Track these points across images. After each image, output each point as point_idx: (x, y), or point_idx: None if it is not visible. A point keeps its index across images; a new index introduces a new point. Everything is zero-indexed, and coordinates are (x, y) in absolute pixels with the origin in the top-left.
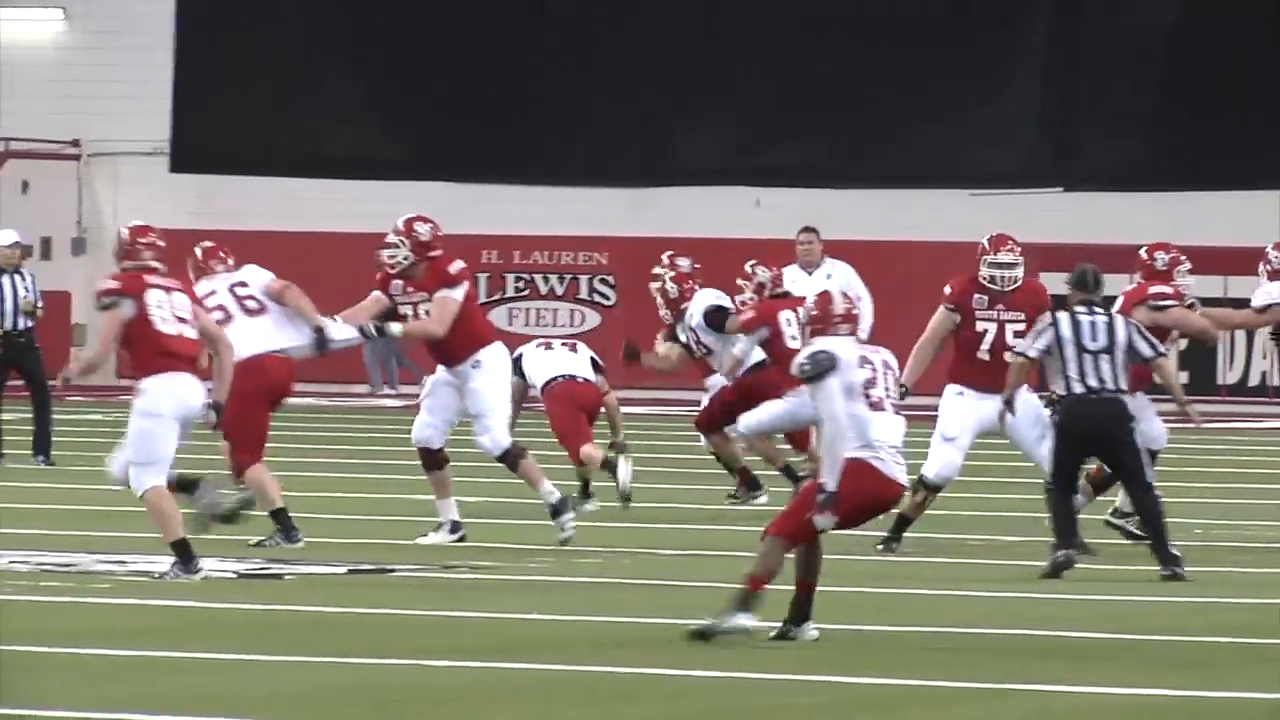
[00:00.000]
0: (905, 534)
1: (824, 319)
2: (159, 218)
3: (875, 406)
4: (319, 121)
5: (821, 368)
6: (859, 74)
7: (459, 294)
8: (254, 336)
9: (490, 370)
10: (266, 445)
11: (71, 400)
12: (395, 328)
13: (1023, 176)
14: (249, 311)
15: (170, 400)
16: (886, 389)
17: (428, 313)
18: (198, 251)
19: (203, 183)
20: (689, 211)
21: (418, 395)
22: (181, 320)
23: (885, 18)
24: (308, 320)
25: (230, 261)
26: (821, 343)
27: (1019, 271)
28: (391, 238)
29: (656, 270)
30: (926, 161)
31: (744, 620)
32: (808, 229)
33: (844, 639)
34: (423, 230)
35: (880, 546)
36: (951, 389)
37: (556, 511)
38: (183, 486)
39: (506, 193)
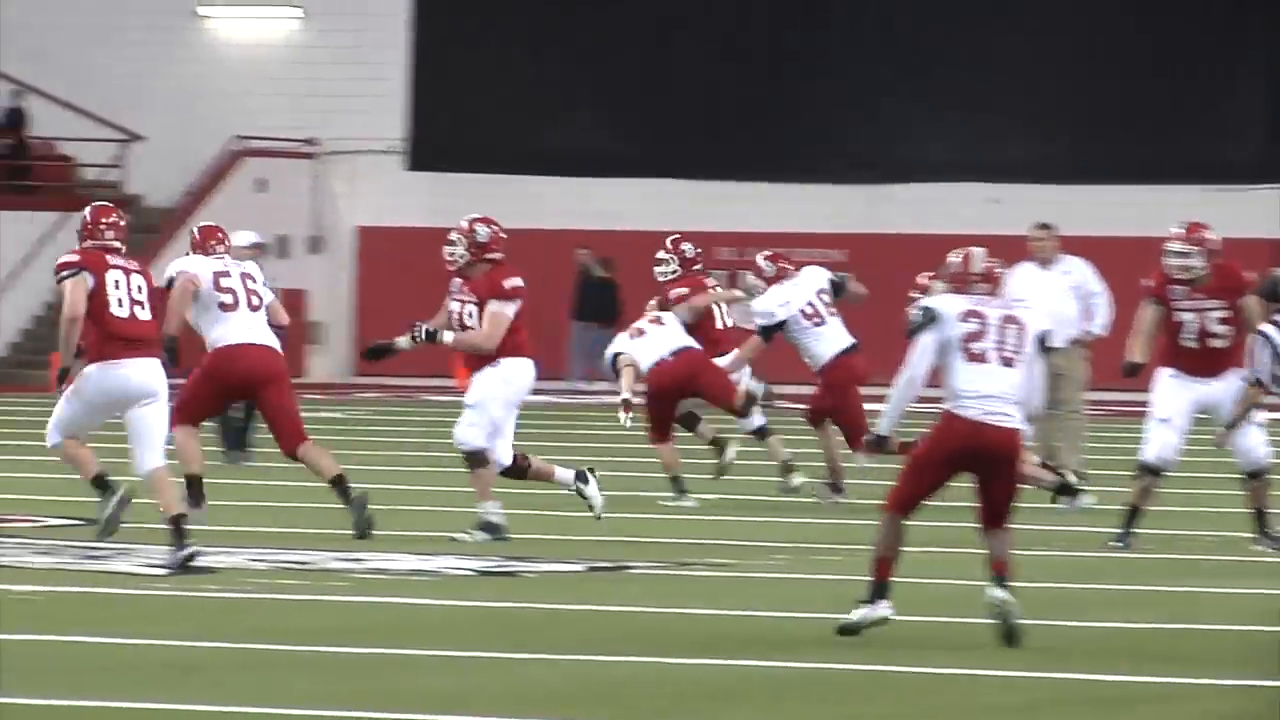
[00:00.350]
0: (1137, 529)
1: (963, 277)
2: (394, 216)
3: (975, 359)
4: (554, 119)
5: (921, 321)
6: (1095, 69)
7: (511, 310)
8: (247, 327)
9: (502, 373)
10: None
11: (309, 398)
12: (447, 336)
13: (1255, 171)
14: (253, 307)
15: (104, 394)
16: (1000, 343)
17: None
18: (195, 231)
19: (438, 180)
20: (926, 208)
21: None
22: (137, 302)
23: (1117, 13)
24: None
25: (227, 244)
26: (931, 299)
27: (1191, 261)
28: (453, 235)
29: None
30: (1160, 156)
31: (883, 610)
32: (1042, 225)
33: (1087, 635)
34: (482, 231)
35: (1115, 542)
36: (1164, 372)
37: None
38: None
39: (743, 190)
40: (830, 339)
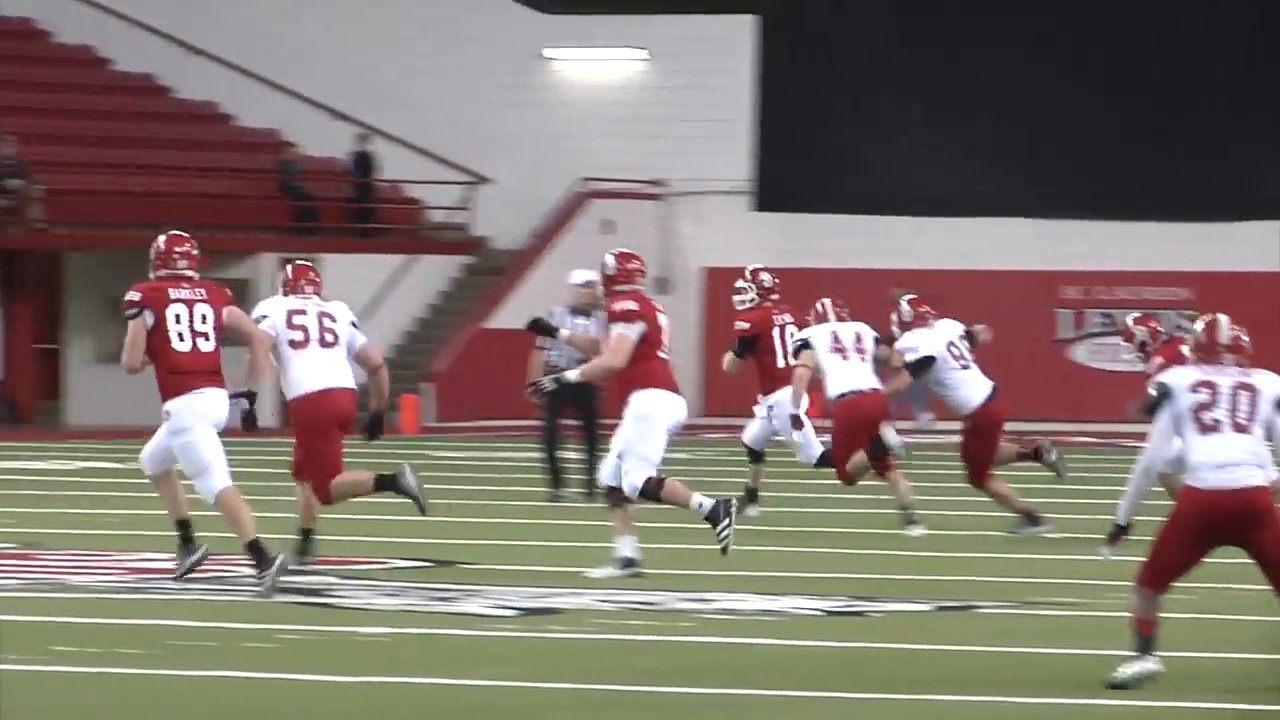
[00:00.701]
0: None
1: (1208, 347)
2: (741, 256)
3: (1208, 429)
4: (900, 157)
5: (1156, 399)
6: None
7: (633, 330)
8: (323, 369)
9: (635, 414)
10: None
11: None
12: (571, 374)
13: None
14: (325, 344)
15: (193, 414)
16: (1233, 410)
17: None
18: (288, 270)
19: (784, 221)
20: (1272, 244)
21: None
22: (199, 334)
23: None
24: (378, 401)
25: (319, 284)
26: (1166, 373)
27: None
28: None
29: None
30: None
31: (1150, 665)
32: None
33: None
34: (609, 263)
35: None
36: None
37: (712, 520)
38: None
39: (1088, 228)
40: (973, 385)
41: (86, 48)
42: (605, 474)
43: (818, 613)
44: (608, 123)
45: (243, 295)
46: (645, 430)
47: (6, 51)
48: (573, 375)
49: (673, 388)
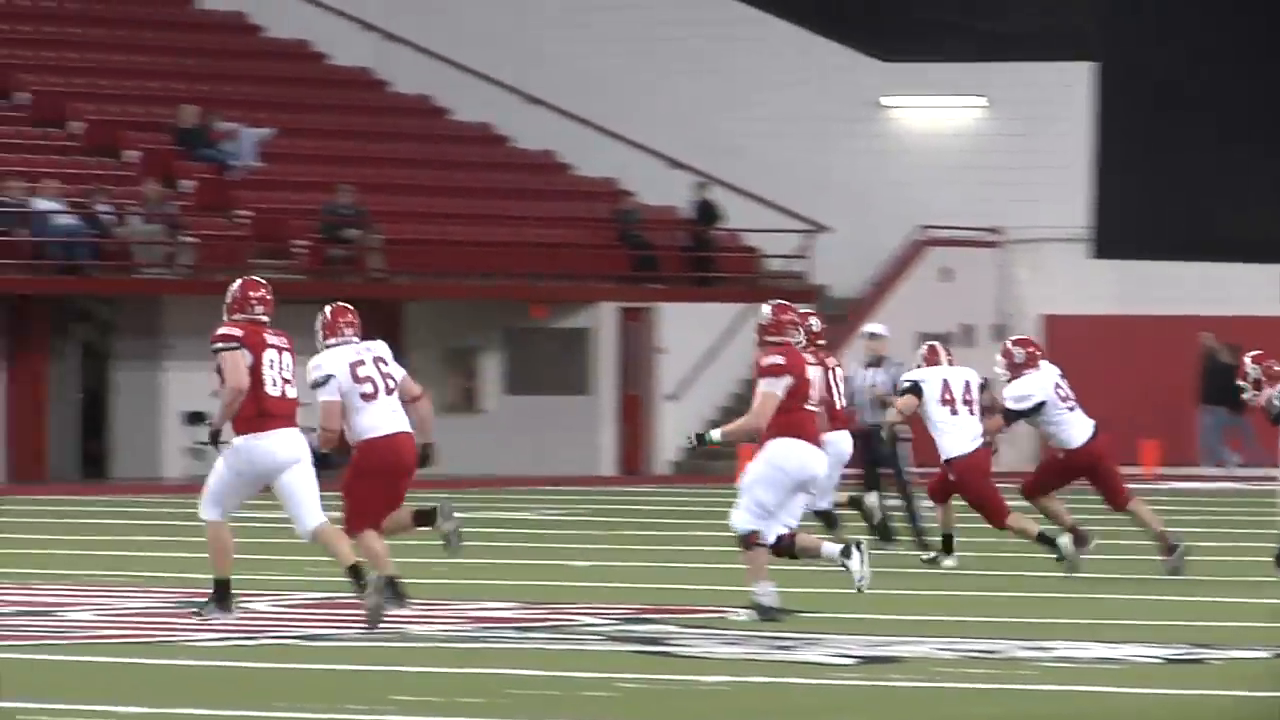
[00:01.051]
0: None
1: None
2: (1080, 303)
3: None
4: (1241, 203)
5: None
6: None
7: (776, 386)
8: (390, 416)
9: (768, 457)
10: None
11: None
12: (714, 434)
13: None
14: (389, 390)
15: (252, 465)
16: None
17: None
18: (327, 311)
19: (1123, 268)
20: None
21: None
22: (287, 381)
23: None
24: (424, 434)
25: (357, 324)
26: None
27: None
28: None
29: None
30: None
31: None
32: None
33: None
34: (764, 313)
35: None
36: None
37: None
38: (422, 518)
39: None
40: (1078, 425)
41: (424, 97)
42: (732, 516)
43: (1158, 660)
44: (945, 170)
45: (583, 345)
46: (770, 478)
47: (345, 101)
48: (715, 435)
49: (815, 441)
